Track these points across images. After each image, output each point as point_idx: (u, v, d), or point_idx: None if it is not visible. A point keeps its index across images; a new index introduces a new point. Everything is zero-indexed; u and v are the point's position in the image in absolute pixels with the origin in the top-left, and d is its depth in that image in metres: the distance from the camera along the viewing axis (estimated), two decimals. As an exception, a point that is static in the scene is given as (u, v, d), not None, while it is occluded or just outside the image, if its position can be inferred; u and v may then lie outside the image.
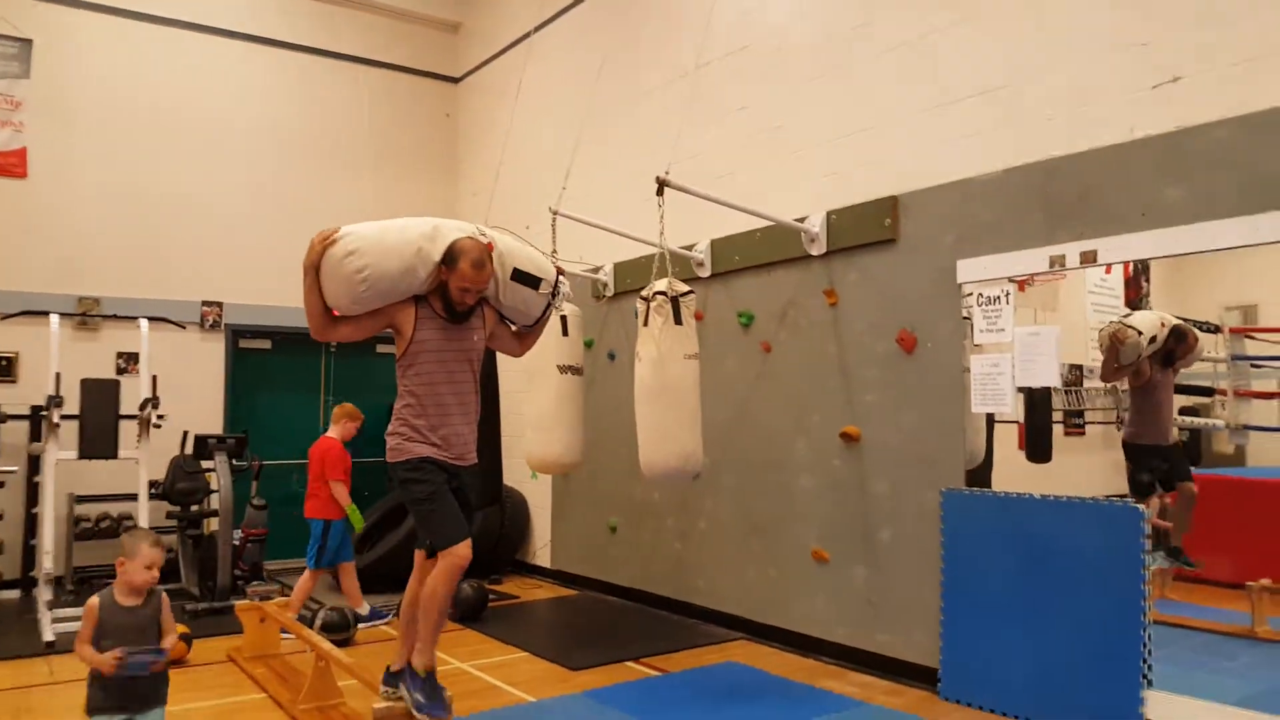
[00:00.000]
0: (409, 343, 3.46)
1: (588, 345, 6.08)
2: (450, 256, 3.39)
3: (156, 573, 2.94)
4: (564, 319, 5.00)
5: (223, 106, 7.65)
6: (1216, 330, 5.94)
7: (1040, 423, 5.09)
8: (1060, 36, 3.88)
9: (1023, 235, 3.96)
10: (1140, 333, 4.05)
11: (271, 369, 7.99)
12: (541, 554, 7.27)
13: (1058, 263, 3.83)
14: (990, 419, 4.36)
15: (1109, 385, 4.89)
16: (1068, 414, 6.39)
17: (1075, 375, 6.21)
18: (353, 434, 5.77)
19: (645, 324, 4.27)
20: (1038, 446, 4.95)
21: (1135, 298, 5.89)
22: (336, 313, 3.46)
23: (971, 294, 4.15)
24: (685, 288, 4.33)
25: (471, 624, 5.62)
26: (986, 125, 4.15)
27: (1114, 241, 3.67)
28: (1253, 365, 5.36)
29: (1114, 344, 4.02)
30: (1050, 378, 3.94)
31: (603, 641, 5.20)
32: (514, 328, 3.82)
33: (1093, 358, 6.00)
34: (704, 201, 4.57)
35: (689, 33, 5.84)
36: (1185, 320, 5.94)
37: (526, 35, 7.28)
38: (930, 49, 4.41)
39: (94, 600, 2.93)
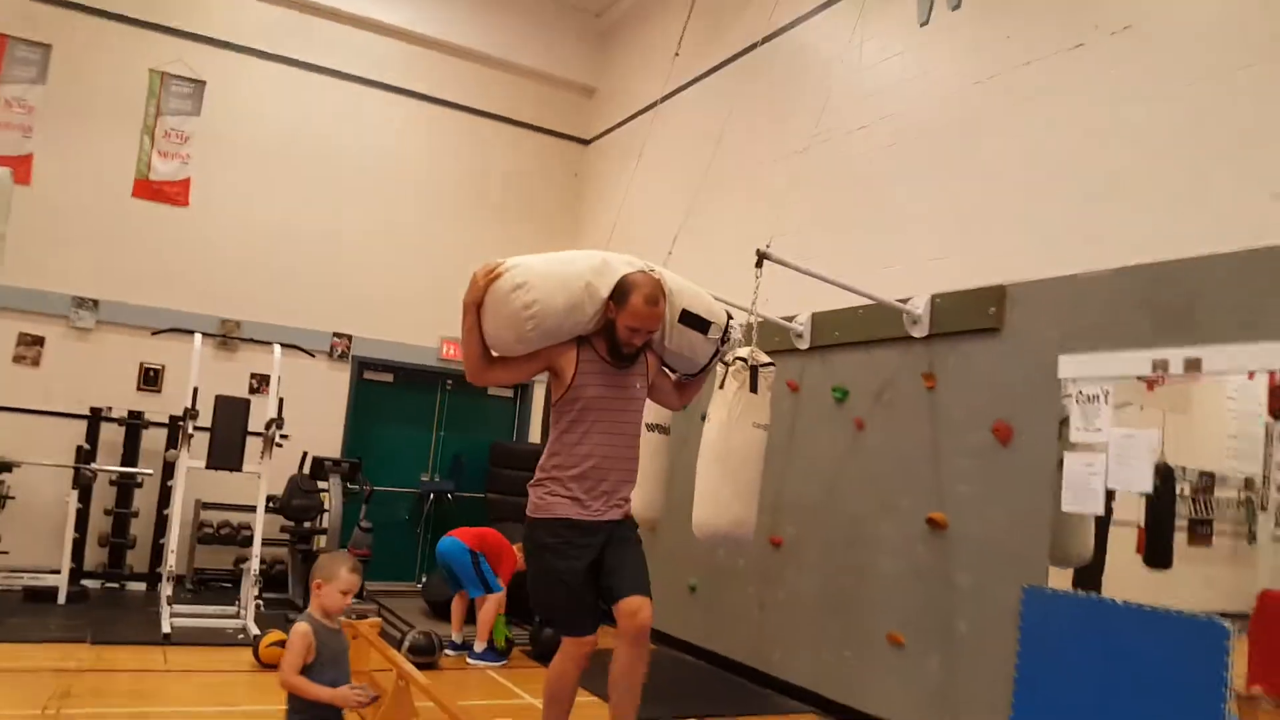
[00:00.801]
0: (568, 388, 3.17)
1: (686, 405, 6.20)
2: (620, 292, 3.11)
3: (350, 599, 2.83)
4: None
5: (367, 152, 8.24)
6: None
7: (1161, 527, 4.92)
8: (1180, 137, 3.84)
9: (1127, 336, 3.90)
10: None
11: (390, 401, 8.44)
12: (625, 606, 7.35)
13: (1160, 367, 3.75)
14: (1105, 519, 4.24)
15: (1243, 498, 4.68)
16: (1194, 522, 6.12)
17: (1206, 483, 5.95)
18: (517, 568, 5.94)
19: (721, 387, 4.36)
20: (1156, 551, 4.78)
21: (1280, 407, 5.64)
22: (495, 353, 3.21)
23: (1071, 392, 4.10)
24: (766, 359, 4.41)
25: (548, 663, 5.74)
26: (1099, 222, 4.12)
27: (1220, 350, 3.59)
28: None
29: None
30: (1143, 482, 3.84)
31: (675, 697, 5.24)
32: (674, 377, 3.57)
33: (1229, 465, 5.74)
34: (808, 274, 4.67)
35: (809, 108, 5.99)
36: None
37: (654, 104, 7.58)
38: (1045, 140, 4.42)
39: (304, 626, 2.73)
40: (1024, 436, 4.28)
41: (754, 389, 4.24)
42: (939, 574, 4.58)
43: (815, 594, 5.38)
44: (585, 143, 9.25)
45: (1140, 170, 3.97)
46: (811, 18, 6.18)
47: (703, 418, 6.59)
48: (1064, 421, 4.09)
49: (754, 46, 6.58)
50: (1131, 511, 4.35)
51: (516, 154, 8.93)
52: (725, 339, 3.42)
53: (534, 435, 8.78)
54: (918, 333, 4.89)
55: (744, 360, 4.36)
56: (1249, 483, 5.71)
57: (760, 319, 4.61)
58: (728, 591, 6.14)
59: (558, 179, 9.15)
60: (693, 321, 3.34)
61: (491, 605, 5.77)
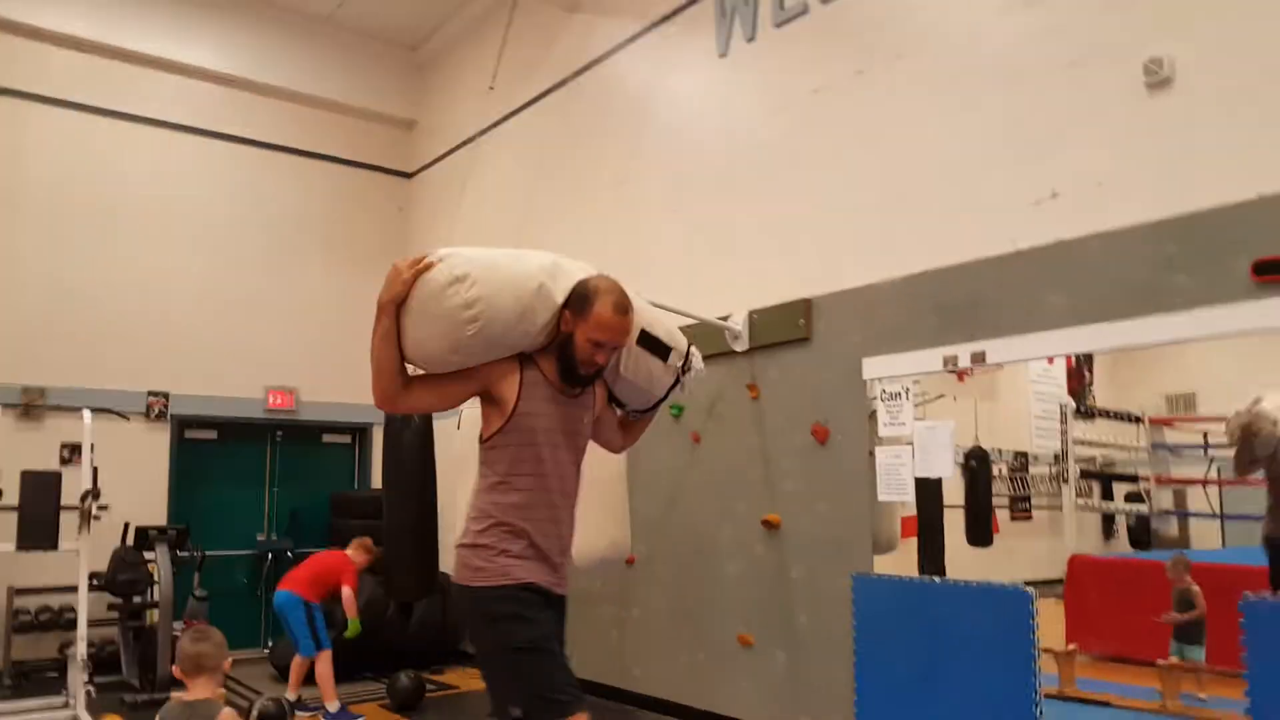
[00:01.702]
0: (509, 416, 2.48)
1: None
2: (581, 298, 2.48)
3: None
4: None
5: (173, 198, 7.84)
6: (1139, 420, 6.29)
7: (979, 508, 5.36)
8: (953, 155, 4.25)
9: (920, 337, 4.27)
10: (1276, 422, 3.74)
11: (216, 459, 8.05)
12: (483, 642, 7.31)
13: (950, 362, 4.13)
14: (938, 505, 4.59)
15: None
16: (1014, 499, 6.65)
17: (1021, 462, 6.49)
18: (363, 566, 5.88)
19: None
20: (977, 530, 5.21)
21: (1078, 388, 6.23)
22: (415, 369, 2.52)
23: (876, 391, 4.44)
24: None
25: (409, 714, 5.66)
26: (890, 234, 4.50)
27: (1001, 343, 3.99)
28: (1173, 453, 5.68)
29: (1245, 437, 3.73)
30: (945, 470, 4.20)
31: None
32: (619, 413, 2.95)
33: (1036, 444, 6.29)
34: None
35: (624, 139, 6.21)
36: (1111, 411, 6.27)
37: (474, 137, 7.64)
38: (837, 161, 4.78)
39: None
40: (839, 435, 4.60)
41: None
42: (777, 571, 4.84)
43: (668, 606, 5.55)
44: (408, 176, 9.18)
45: (921, 185, 4.37)
46: (619, 51, 6.40)
47: None
48: (872, 417, 4.43)
49: (566, 81, 6.77)
50: (958, 497, 4.76)
51: (338, 191, 8.75)
52: (686, 368, 2.88)
53: (375, 481, 8.59)
54: (740, 347, 5.16)
55: None
56: (1057, 458, 6.29)
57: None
58: (585, 615, 6.22)
59: (382, 214, 9.02)
60: (652, 345, 2.74)
61: (326, 662, 5.60)
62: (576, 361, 2.51)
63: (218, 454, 8.06)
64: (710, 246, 5.54)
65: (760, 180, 5.22)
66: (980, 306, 4.06)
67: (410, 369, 2.49)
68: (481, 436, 2.56)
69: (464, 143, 8.20)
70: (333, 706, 5.50)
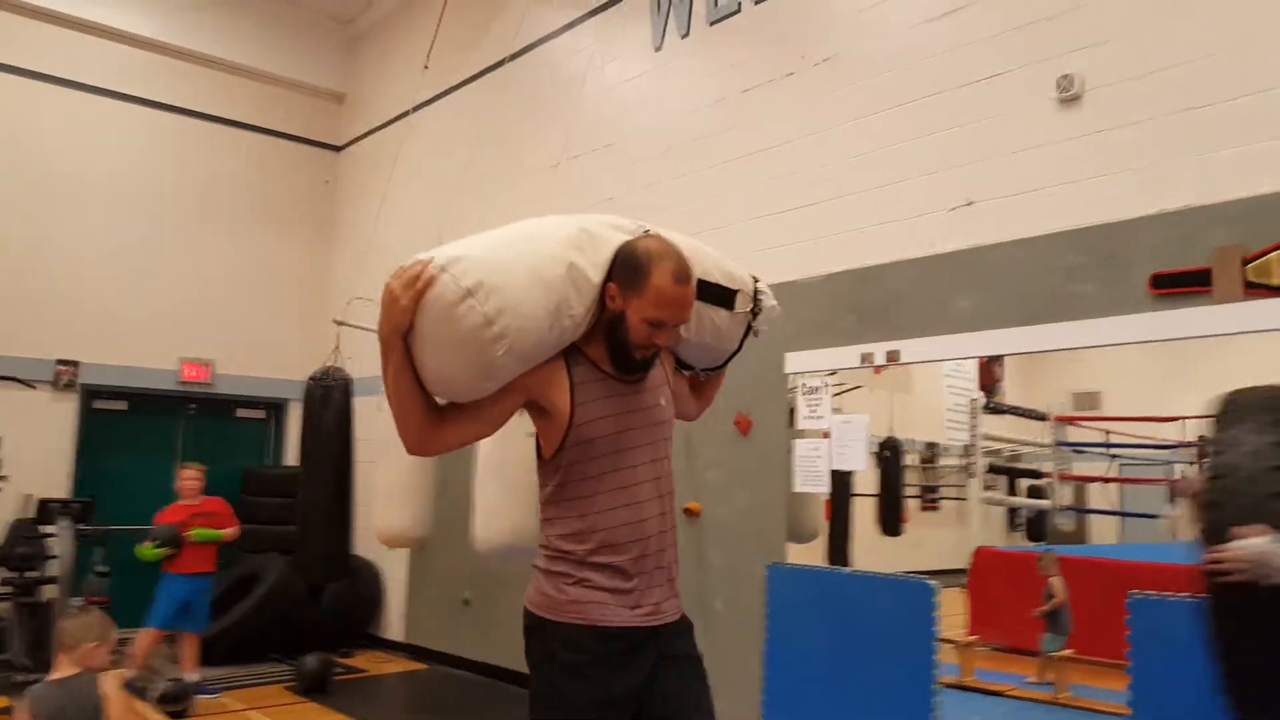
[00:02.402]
0: (568, 428, 2.04)
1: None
2: (631, 269, 2.02)
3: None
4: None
5: (91, 163, 7.58)
6: (1044, 418, 6.55)
7: (891, 498, 5.51)
8: (877, 159, 4.37)
9: (839, 333, 4.39)
10: None
11: (126, 431, 7.81)
12: (394, 627, 7.27)
13: (867, 359, 4.26)
14: (846, 495, 4.71)
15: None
16: (924, 489, 6.83)
17: (931, 452, 6.68)
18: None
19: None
20: (888, 520, 5.36)
21: (989, 383, 6.44)
22: (444, 400, 2.02)
23: (797, 385, 4.54)
24: None
25: (316, 697, 5.59)
26: (813, 234, 4.60)
27: (914, 343, 4.12)
28: (1075, 450, 5.92)
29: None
30: (859, 463, 4.32)
31: (453, 713, 5.26)
32: (687, 375, 2.50)
33: (948, 436, 6.49)
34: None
35: (559, 124, 6.21)
36: (1019, 407, 6.51)
37: (407, 113, 7.54)
38: (764, 159, 4.86)
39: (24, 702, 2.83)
40: (760, 427, 4.70)
41: None
42: (697, 559, 4.92)
43: (583, 592, 5.58)
44: (336, 149, 9.01)
45: (846, 187, 4.47)
46: (557, 37, 6.39)
47: None
48: (793, 410, 4.53)
49: (503, 62, 6.72)
50: (873, 486, 4.90)
51: (263, 162, 8.54)
52: (756, 309, 2.40)
53: (290, 457, 8.43)
54: (667, 337, 5.21)
55: None
56: (967, 450, 6.49)
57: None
58: (502, 601, 6.22)
59: (308, 186, 8.83)
60: (715, 295, 2.28)
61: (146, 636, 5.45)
62: (630, 345, 2.04)
63: (127, 426, 7.82)
64: (640, 236, 5.57)
65: (692, 174, 5.28)
66: (897, 307, 4.19)
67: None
68: (540, 454, 2.12)
69: (396, 118, 8.07)
70: (194, 676, 5.42)
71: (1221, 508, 2.35)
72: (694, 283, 2.07)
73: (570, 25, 6.27)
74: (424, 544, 5.50)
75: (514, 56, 6.59)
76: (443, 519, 5.42)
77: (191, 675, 5.42)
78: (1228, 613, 2.31)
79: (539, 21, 6.50)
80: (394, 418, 1.98)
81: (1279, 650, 2.30)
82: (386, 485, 5.19)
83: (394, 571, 7.33)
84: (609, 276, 2.05)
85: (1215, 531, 2.27)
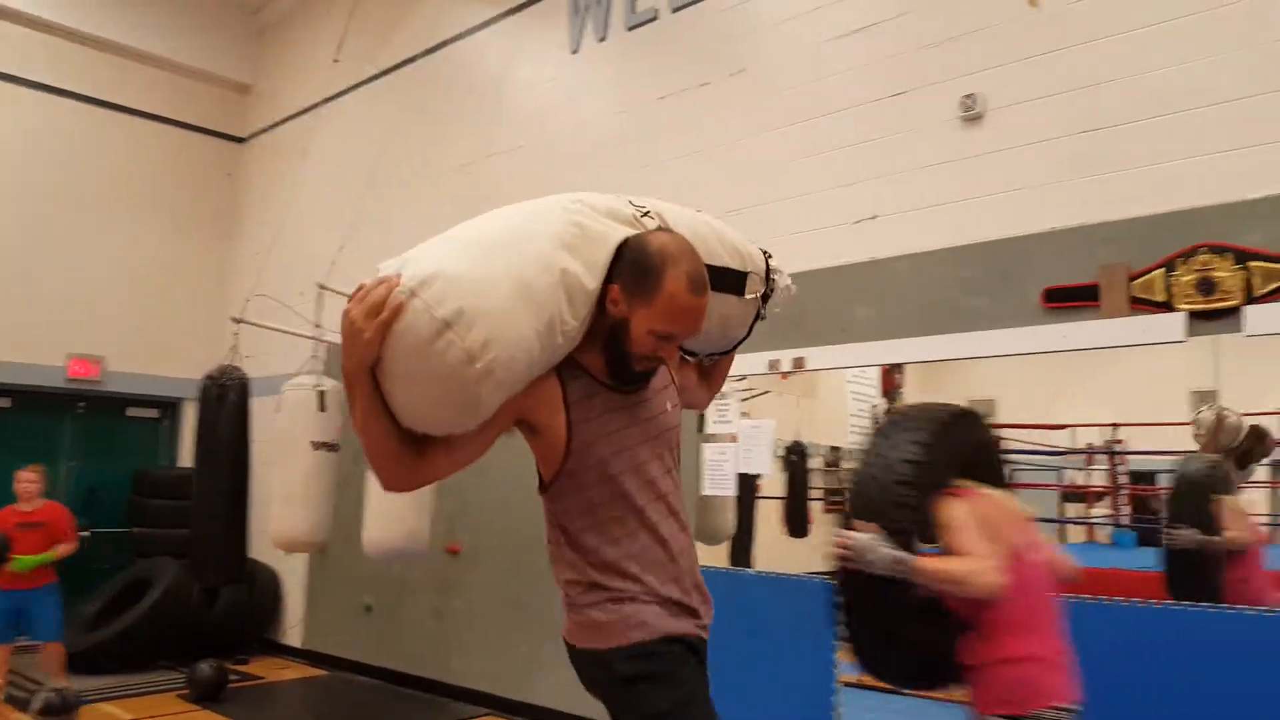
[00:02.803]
0: (566, 452, 1.81)
1: (355, 418, 6.11)
2: (641, 270, 1.76)
3: None
4: (322, 393, 5.03)
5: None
6: (938, 427, 6.76)
7: (797, 500, 5.61)
8: (786, 171, 4.45)
9: (749, 340, 4.43)
10: (1240, 416, 3.86)
11: (8, 429, 7.41)
12: (293, 633, 7.07)
13: (775, 366, 4.33)
14: (751, 497, 4.76)
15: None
16: (828, 491, 6.96)
17: (836, 456, 6.81)
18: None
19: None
20: (794, 522, 5.44)
21: (891, 388, 6.61)
22: (421, 430, 1.72)
23: (706, 389, 4.59)
24: None
25: (209, 705, 5.40)
26: (724, 239, 4.65)
27: (819, 350, 4.21)
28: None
29: (1219, 425, 3.81)
30: (764, 466, 4.39)
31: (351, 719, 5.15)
32: (693, 362, 2.28)
33: (851, 441, 6.63)
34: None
35: (472, 123, 6.15)
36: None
37: (316, 106, 7.36)
38: (682, 171, 4.91)
39: None
40: (670, 432, 4.72)
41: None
42: (600, 565, 4.92)
43: (492, 598, 5.53)
44: (240, 140, 8.73)
45: (755, 197, 4.54)
46: (472, 35, 6.33)
47: None
48: (702, 415, 4.58)
49: (416, 58, 6.63)
50: (780, 489, 4.97)
51: (160, 151, 8.20)
52: (770, 290, 2.17)
53: (185, 459, 8.12)
54: (579, 340, 5.20)
55: None
56: (868, 453, 6.61)
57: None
58: (403, 606, 6.12)
59: (208, 178, 8.53)
60: (725, 281, 2.03)
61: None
62: (632, 357, 1.79)
63: (10, 423, 7.43)
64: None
65: (606, 179, 5.28)
66: (803, 316, 4.27)
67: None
68: (540, 483, 1.89)
69: (304, 111, 7.88)
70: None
71: (855, 506, 2.76)
72: (709, 289, 1.81)
73: (486, 24, 6.21)
74: (323, 548, 5.36)
75: (428, 52, 6.50)
76: (343, 523, 5.30)
77: (62, 684, 5.16)
78: (847, 588, 2.73)
79: (454, 19, 6.42)
80: (367, 456, 1.71)
81: (883, 620, 2.70)
82: (284, 488, 5.04)
83: (293, 576, 7.13)
84: (609, 277, 1.78)
85: (845, 523, 2.70)
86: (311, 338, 5.33)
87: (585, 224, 1.79)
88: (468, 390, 1.60)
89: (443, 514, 5.39)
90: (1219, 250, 3.27)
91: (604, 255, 1.78)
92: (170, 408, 8.27)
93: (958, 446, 2.85)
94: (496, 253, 1.67)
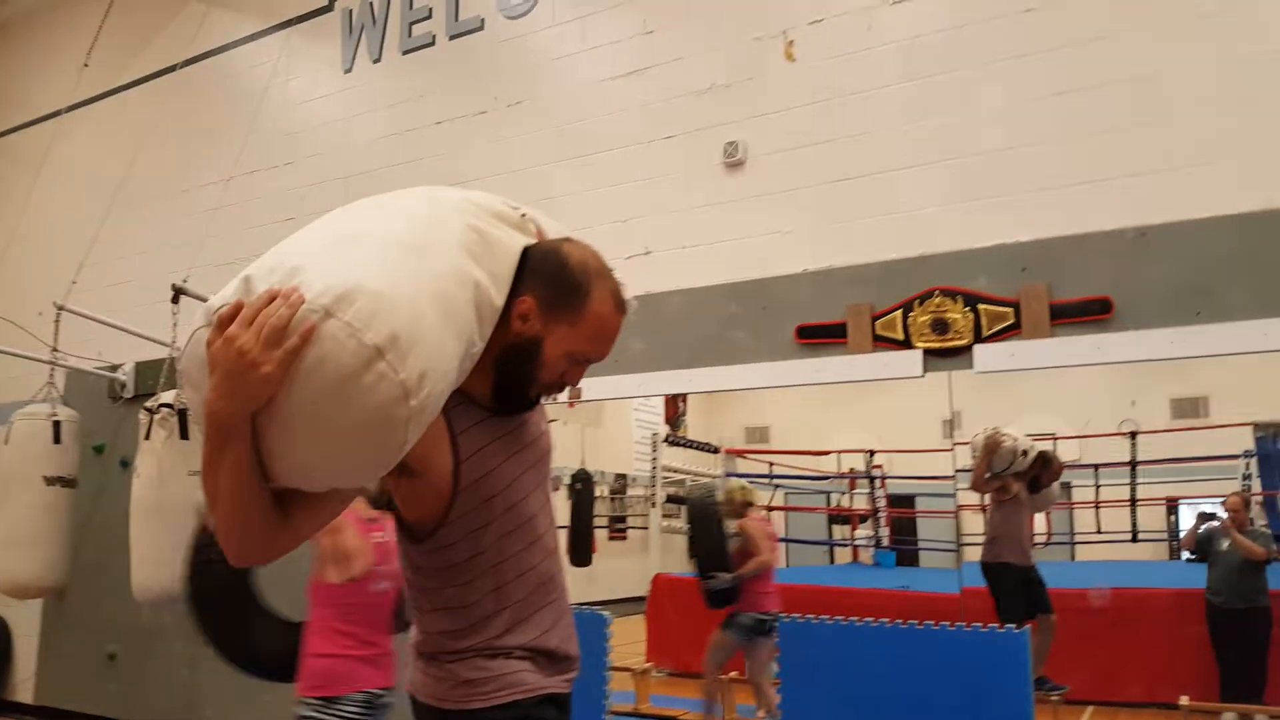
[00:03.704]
0: (453, 494, 1.53)
1: (98, 451, 5.62)
2: (564, 288, 1.55)
3: None
4: (57, 424, 4.60)
5: None
6: (716, 450, 7.02)
7: (581, 528, 5.60)
8: (565, 204, 4.48)
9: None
10: (1015, 439, 4.06)
11: None
12: (24, 688, 6.37)
13: (556, 396, 4.35)
14: None
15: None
16: (612, 519, 7.00)
17: (621, 484, 6.88)
18: None
19: (147, 437, 4.11)
20: (577, 550, 5.43)
21: (674, 415, 6.77)
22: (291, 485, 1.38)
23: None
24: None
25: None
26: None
27: (597, 381, 4.25)
28: (751, 481, 6.33)
29: (990, 448, 4.01)
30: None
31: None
32: None
33: (636, 468, 6.75)
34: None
35: (235, 137, 5.82)
36: (695, 441, 6.93)
37: (60, 112, 6.74)
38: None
39: None
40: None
41: (185, 435, 4.06)
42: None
43: (249, 641, 5.20)
44: (-35, 145, 7.84)
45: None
46: (239, 46, 6.02)
47: (123, 464, 6.04)
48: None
49: (177, 66, 6.21)
50: (564, 518, 4.96)
51: None
52: None
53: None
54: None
55: (169, 406, 4.17)
56: (650, 481, 6.77)
57: (178, 360, 4.37)
58: (153, 654, 5.65)
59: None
60: None
61: None
62: (533, 383, 1.58)
63: None
64: (324, 263, 5.34)
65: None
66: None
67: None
68: (413, 533, 1.59)
69: (45, 117, 7.18)
70: None
71: None
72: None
73: (254, 36, 5.92)
74: (59, 593, 4.90)
75: (189, 62, 6.12)
76: (84, 564, 4.87)
77: None
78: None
79: (221, 28, 6.09)
80: (219, 522, 1.36)
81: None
82: (11, 528, 4.59)
83: (24, 624, 6.42)
84: (523, 290, 1.53)
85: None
86: (48, 362, 4.91)
87: (483, 229, 1.52)
88: (394, 434, 1.27)
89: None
90: (951, 294, 3.59)
91: (507, 267, 1.52)
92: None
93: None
94: (410, 261, 1.35)
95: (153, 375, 5.87)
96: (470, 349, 1.42)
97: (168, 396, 4.18)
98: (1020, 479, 4.19)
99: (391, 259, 1.33)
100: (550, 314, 1.53)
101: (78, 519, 5.15)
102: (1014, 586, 4.01)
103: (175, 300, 4.20)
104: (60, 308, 4.82)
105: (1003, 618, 3.69)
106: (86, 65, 6.15)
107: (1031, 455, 4.14)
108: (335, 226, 1.45)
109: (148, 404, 4.18)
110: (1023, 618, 3.64)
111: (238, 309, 1.26)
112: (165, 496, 4.12)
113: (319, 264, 1.29)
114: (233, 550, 1.38)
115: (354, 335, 1.20)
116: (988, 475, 4.09)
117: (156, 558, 4.14)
